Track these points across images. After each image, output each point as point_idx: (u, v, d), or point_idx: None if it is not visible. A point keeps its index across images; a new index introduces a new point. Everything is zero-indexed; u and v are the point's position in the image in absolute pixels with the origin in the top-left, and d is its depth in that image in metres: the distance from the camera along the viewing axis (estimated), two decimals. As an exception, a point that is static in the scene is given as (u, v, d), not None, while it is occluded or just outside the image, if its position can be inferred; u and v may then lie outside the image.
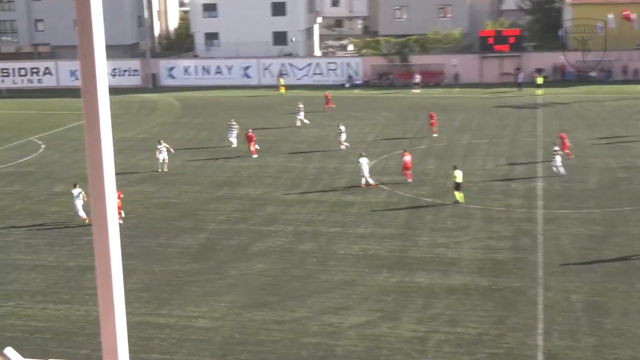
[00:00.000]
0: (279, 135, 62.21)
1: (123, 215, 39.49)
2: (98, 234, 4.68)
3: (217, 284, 31.33)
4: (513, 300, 28.73)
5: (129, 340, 4.93)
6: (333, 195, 43.73)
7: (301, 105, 66.15)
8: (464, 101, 77.18)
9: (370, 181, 44.91)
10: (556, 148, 46.85)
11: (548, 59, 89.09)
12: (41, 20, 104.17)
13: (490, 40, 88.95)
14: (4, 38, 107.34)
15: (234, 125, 57.52)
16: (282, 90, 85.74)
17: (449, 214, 39.59)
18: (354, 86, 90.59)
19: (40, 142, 62.12)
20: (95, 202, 4.68)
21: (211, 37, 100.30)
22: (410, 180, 45.17)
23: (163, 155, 50.03)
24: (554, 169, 45.97)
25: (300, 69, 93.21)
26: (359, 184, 45.69)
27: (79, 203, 39.59)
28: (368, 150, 53.93)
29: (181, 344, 26.23)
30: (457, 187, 41.60)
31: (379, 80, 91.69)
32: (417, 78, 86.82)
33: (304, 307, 28.82)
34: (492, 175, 46.96)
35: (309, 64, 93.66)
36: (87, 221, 38.47)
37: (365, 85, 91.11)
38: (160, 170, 49.64)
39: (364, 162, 44.88)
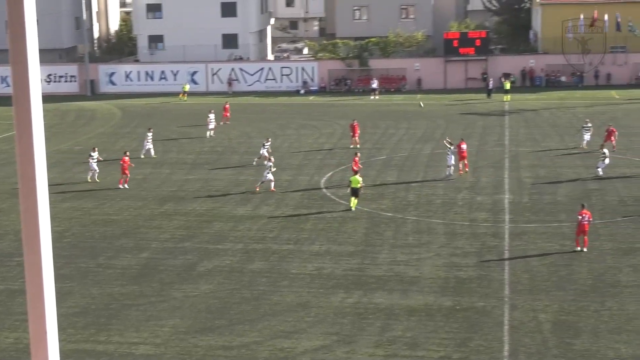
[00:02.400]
0: (227, 146, 62.25)
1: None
2: (29, 254, 4.74)
3: (160, 307, 31.29)
4: (477, 321, 29.12)
5: (62, 368, 4.99)
6: (286, 210, 43.91)
7: (212, 115, 66.11)
8: (427, 108, 77.80)
9: None
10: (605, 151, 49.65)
11: (516, 63, 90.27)
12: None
13: (455, 43, 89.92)
14: None
15: (149, 136, 58.79)
16: (184, 97, 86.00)
17: (410, 230, 39.97)
18: (310, 92, 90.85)
19: (-34, 154, 61.34)
20: (27, 219, 4.74)
21: (155, 40, 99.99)
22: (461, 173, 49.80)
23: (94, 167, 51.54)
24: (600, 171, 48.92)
25: (252, 74, 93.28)
26: (314, 197, 46.00)
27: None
28: (324, 162, 54.19)
29: (121, 372, 26.19)
30: (354, 193, 43.31)
31: (337, 86, 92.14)
32: (375, 83, 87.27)
33: (254, 331, 28.92)
34: (456, 187, 47.46)
35: (261, 69, 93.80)
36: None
37: (322, 91, 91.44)
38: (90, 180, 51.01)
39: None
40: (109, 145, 63.65)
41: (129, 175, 49.75)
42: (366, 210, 43.31)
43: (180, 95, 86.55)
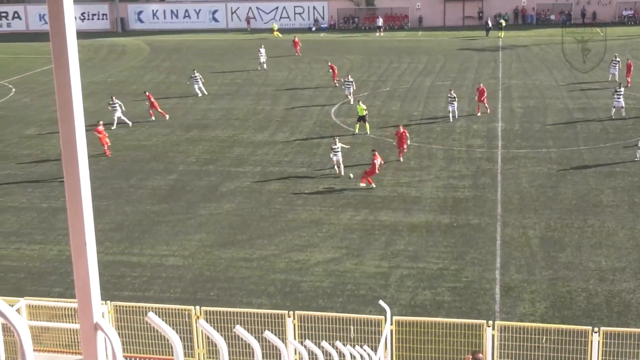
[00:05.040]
0: (246, 78, 61.89)
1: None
2: (69, 175, 4.72)
3: (187, 224, 31.45)
4: (472, 237, 29.17)
5: (101, 279, 5.01)
6: (299, 136, 43.78)
7: (262, 50, 65.51)
8: (427, 44, 77.06)
9: None
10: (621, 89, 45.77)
11: (510, 3, 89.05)
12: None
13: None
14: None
15: (197, 75, 55.76)
16: (277, 34, 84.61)
17: (412, 154, 39.80)
18: (320, 30, 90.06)
19: (10, 85, 61.28)
20: (65, 144, 4.69)
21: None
22: None
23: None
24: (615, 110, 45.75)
25: (267, 13, 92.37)
26: (325, 125, 45.83)
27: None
28: (334, 93, 53.75)
29: (153, 281, 26.42)
30: (361, 119, 43.62)
31: (345, 24, 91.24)
32: (380, 21, 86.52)
33: (272, 245, 29.07)
34: (454, 116, 47.09)
35: (276, 8, 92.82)
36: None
37: (331, 28, 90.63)
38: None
39: None
40: (138, 78, 63.39)
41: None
42: (372, 137, 43.14)
43: (275, 33, 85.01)
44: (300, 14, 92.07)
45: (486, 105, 47.41)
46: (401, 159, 38.44)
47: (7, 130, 47.20)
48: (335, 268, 26.93)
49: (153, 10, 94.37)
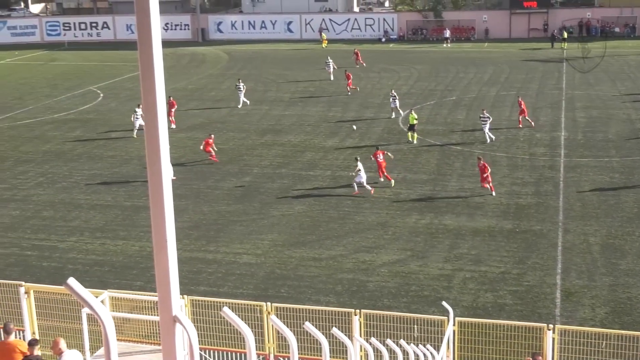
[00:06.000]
0: (318, 86, 62.06)
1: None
2: (152, 175, 4.78)
3: (260, 224, 31.64)
4: (534, 242, 28.71)
5: (179, 274, 5.06)
6: (368, 142, 43.69)
7: (330, 61, 65.48)
8: (493, 55, 76.21)
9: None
10: None
11: (574, 15, 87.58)
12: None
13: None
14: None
15: (240, 85, 54.82)
16: (325, 43, 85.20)
17: (476, 162, 39.32)
18: (390, 40, 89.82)
19: (99, 91, 62.59)
20: (150, 146, 4.76)
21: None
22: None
23: (139, 122, 45.58)
24: None
25: (340, 24, 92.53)
26: (393, 132, 45.64)
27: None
28: (402, 101, 53.56)
29: (227, 277, 26.64)
30: (411, 128, 43.27)
31: (413, 35, 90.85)
32: (447, 33, 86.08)
33: (340, 245, 29.06)
34: (518, 126, 46.45)
35: (348, 20, 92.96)
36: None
37: (400, 39, 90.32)
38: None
39: None
40: (217, 85, 64.09)
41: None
42: (438, 144, 42.83)
43: (324, 42, 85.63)
44: (370, 25, 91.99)
45: (520, 119, 46.25)
46: (493, 193, 33.91)
47: (95, 133, 48.19)
48: (400, 269, 26.79)
49: (232, 21, 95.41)
